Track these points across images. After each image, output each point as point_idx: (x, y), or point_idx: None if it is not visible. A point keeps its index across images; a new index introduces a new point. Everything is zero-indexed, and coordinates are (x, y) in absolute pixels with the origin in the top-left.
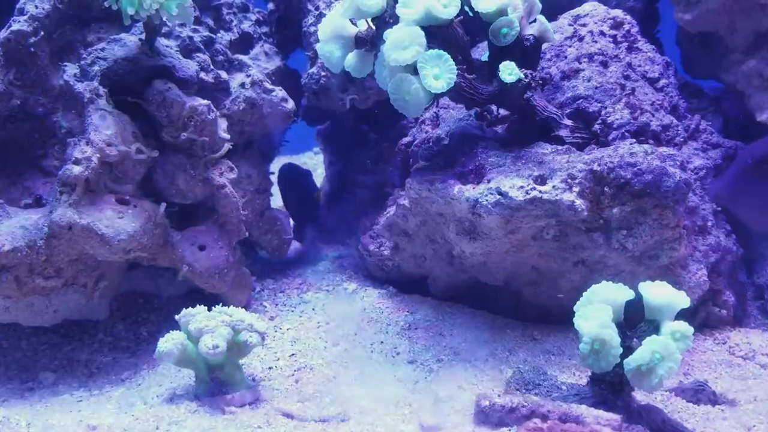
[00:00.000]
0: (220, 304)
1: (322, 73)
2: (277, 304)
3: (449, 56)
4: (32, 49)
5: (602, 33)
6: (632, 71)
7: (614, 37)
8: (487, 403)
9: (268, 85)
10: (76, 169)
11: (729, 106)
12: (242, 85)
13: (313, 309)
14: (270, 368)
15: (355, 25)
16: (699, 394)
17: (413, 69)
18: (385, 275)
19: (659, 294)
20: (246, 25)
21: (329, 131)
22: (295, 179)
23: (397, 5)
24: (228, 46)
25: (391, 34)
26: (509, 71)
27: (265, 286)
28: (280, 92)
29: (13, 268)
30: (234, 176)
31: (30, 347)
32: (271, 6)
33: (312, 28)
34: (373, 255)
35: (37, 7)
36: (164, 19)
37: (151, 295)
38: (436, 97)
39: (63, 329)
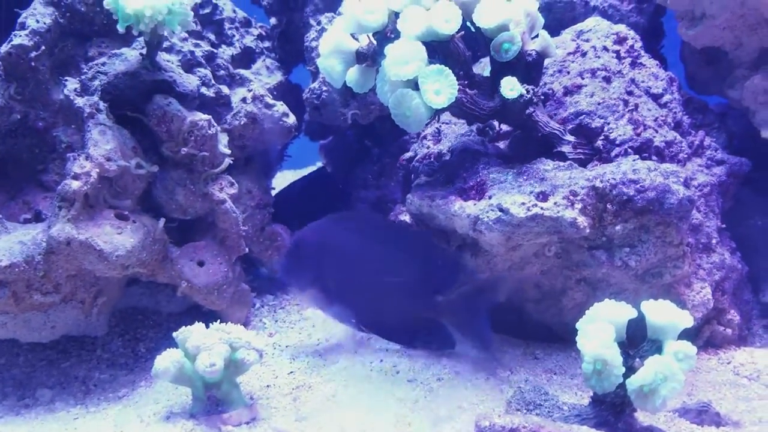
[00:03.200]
0: (219, 320)
1: (324, 88)
2: (276, 321)
3: (450, 71)
4: (33, 64)
5: (605, 48)
6: (635, 87)
7: (617, 52)
8: (487, 423)
9: (270, 100)
10: (75, 184)
11: (734, 123)
12: (243, 99)
13: (313, 326)
14: (268, 386)
15: (356, 39)
16: (703, 415)
17: (414, 84)
18: None
19: (662, 313)
20: (248, 40)
21: (331, 146)
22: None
23: (398, 20)
24: (230, 60)
25: (392, 49)
26: (511, 87)
27: (265, 302)
28: (281, 107)
29: (10, 283)
30: (234, 191)
31: (27, 363)
32: (273, 21)
33: (314, 43)
34: None
35: (38, 21)
36: (165, 34)
37: (150, 311)
38: (437, 113)
39: (60, 345)
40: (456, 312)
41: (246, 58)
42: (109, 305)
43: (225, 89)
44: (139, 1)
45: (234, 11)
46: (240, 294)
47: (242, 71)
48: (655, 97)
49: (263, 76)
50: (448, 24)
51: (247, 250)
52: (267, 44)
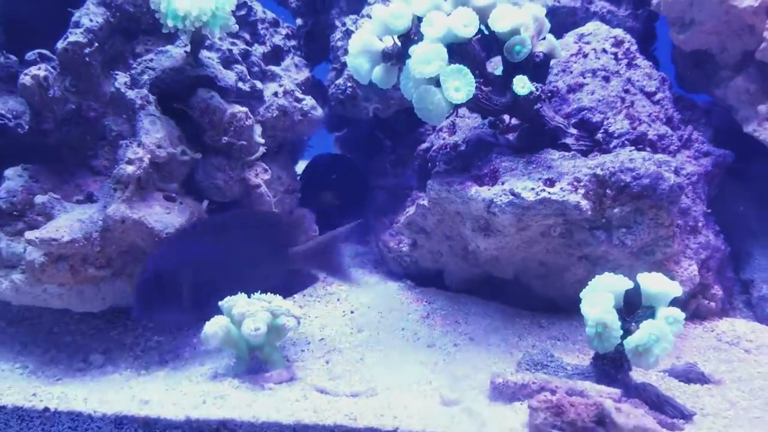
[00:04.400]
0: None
1: (349, 84)
2: (304, 295)
3: (468, 71)
4: (87, 59)
5: (604, 50)
6: (631, 86)
7: (615, 54)
8: (501, 380)
9: (299, 95)
10: (130, 169)
11: (719, 118)
12: (275, 94)
13: (338, 300)
14: (302, 351)
15: (381, 41)
16: (689, 374)
17: (436, 81)
18: (404, 270)
19: (655, 283)
20: (277, 39)
21: (347, 137)
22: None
23: (421, 24)
24: (261, 57)
25: (416, 50)
26: (522, 85)
27: None
28: (310, 101)
29: (69, 257)
30: (268, 177)
31: (79, 332)
32: (299, 21)
33: (339, 43)
34: (392, 251)
35: (91, 20)
36: (207, 34)
37: None
38: (456, 107)
39: (108, 315)
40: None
41: (275, 55)
42: None
43: (258, 84)
44: (187, 3)
45: (264, 12)
46: None
47: (273, 68)
48: (649, 95)
49: (292, 72)
50: (467, 28)
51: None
52: (293, 43)
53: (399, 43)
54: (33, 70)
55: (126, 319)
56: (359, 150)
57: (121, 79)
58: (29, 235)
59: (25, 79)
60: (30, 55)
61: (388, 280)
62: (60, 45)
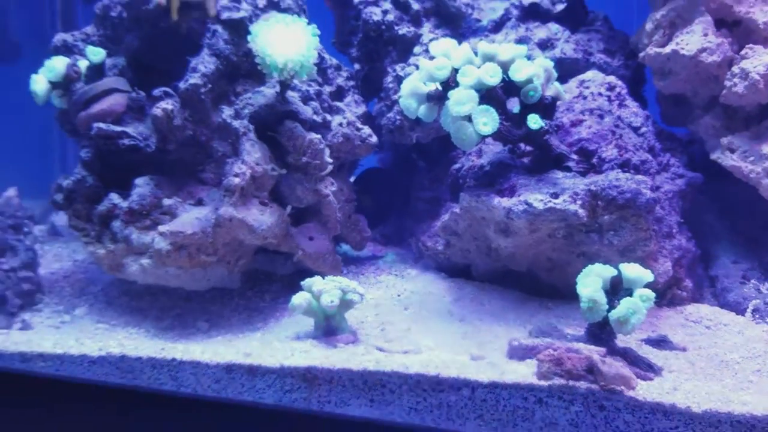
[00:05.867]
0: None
1: (398, 117)
2: (359, 284)
3: (494, 110)
4: (202, 97)
5: (600, 93)
6: (621, 122)
7: (609, 96)
8: (516, 343)
9: (359, 125)
10: (236, 180)
11: (697, 148)
12: (340, 124)
13: (387, 286)
14: (362, 322)
15: (426, 86)
16: (661, 343)
17: (468, 118)
18: (438, 265)
19: (633, 271)
20: (340, 80)
21: (388, 158)
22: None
23: (458, 74)
24: (329, 95)
25: (453, 95)
26: (534, 121)
27: (349, 270)
28: (367, 130)
29: (188, 246)
30: (334, 189)
31: (185, 306)
32: (357, 66)
33: (390, 85)
34: (429, 250)
35: (205, 67)
36: (294, 80)
37: (269, 272)
38: (483, 138)
39: (209, 294)
40: None
41: (339, 93)
42: (244, 266)
43: (328, 116)
44: (284, 57)
45: (331, 59)
46: (335, 261)
47: (338, 103)
48: (635, 129)
49: (352, 107)
50: (493, 78)
51: (340, 231)
52: (352, 83)
53: (440, 88)
54: (163, 104)
55: (222, 297)
56: (398, 169)
57: (227, 112)
58: (162, 228)
59: (157, 111)
60: (157, 92)
61: (426, 272)
62: (182, 85)
